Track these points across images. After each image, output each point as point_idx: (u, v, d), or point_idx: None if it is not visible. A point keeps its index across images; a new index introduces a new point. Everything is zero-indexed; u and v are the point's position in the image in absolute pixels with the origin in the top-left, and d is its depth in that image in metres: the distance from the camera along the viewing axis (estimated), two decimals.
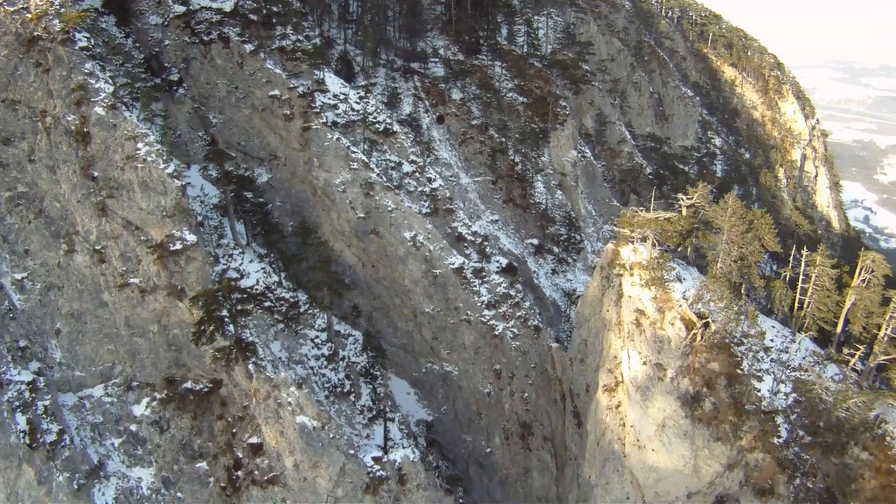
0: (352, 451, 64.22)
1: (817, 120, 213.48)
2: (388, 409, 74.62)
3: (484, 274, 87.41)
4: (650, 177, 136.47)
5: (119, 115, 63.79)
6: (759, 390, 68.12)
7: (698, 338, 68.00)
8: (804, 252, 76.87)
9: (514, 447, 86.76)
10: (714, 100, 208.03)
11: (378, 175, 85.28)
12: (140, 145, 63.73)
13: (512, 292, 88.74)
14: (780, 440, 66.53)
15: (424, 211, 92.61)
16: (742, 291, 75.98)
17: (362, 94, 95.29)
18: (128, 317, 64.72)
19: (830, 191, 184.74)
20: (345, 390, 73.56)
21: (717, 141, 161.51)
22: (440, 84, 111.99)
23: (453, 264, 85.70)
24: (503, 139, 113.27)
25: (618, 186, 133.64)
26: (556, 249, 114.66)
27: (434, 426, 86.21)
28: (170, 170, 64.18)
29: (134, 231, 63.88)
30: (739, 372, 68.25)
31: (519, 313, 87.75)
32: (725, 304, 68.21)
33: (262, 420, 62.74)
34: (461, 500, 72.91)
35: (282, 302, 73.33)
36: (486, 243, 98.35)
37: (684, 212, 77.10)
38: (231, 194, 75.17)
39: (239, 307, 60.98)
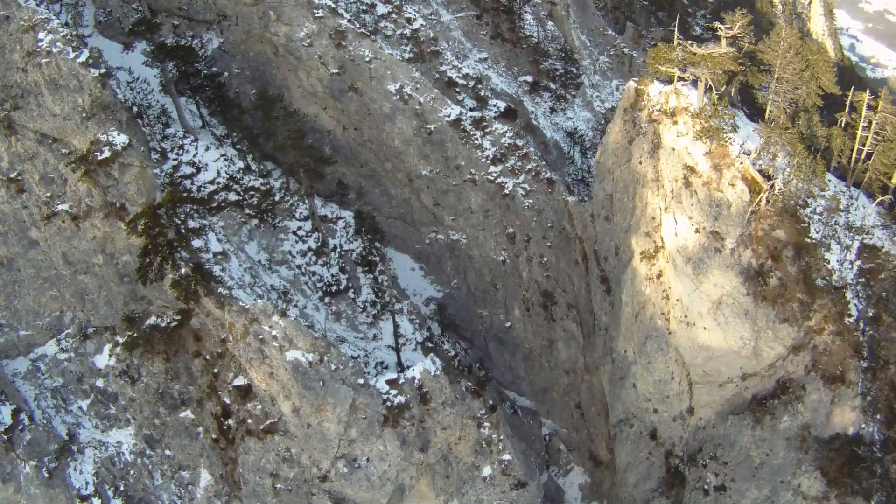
0: (361, 381, 47.52)
1: None
2: (394, 301, 58.51)
3: (485, 124, 69.45)
4: (645, 2, 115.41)
5: (11, 3, 46.73)
6: (829, 261, 53.34)
7: (763, 202, 51.70)
8: (866, 95, 59.43)
9: (535, 318, 71.15)
10: None
11: (349, 21, 66.54)
12: (41, 35, 46.29)
13: (519, 142, 70.99)
14: (851, 319, 52.42)
15: (407, 56, 74.23)
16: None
17: None
18: (65, 252, 48.20)
19: (825, 18, 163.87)
20: (341, 287, 57.29)
21: None
22: None
23: (449, 116, 67.67)
24: None
25: (610, 14, 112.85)
26: (552, 86, 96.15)
27: (445, 303, 70.29)
28: (82, 58, 46.47)
29: (52, 145, 46.73)
30: (808, 241, 52.65)
31: (529, 166, 70.38)
32: (798, 159, 51.50)
33: (245, 361, 46.19)
34: (491, 402, 57.56)
35: (252, 192, 55.65)
36: (479, 86, 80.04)
37: (723, 44, 59.05)
38: (174, 70, 56.55)
39: (192, 224, 43.44)
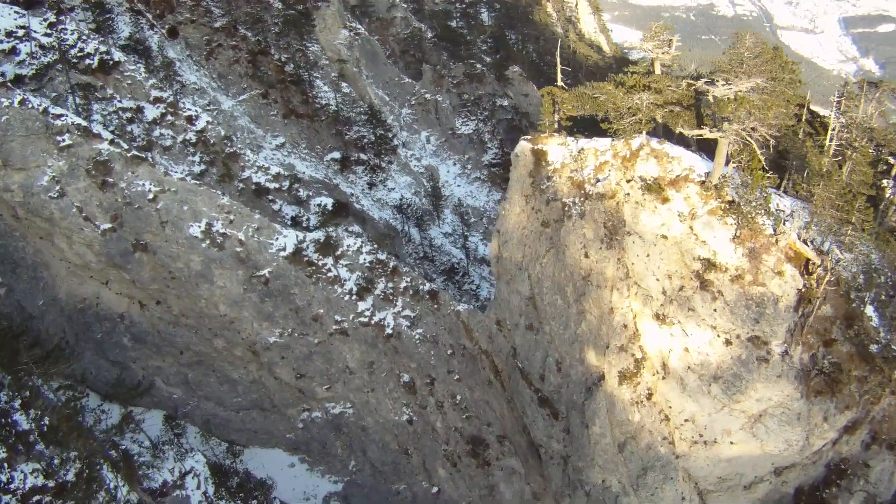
0: None
1: None
2: None
3: (333, 243, 44.18)
4: (434, 40, 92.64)
5: None
6: (872, 319, 33.92)
7: (822, 285, 30.68)
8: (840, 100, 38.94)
9: (466, 470, 46.14)
10: None
11: (112, 142, 39.22)
12: None
13: (381, 255, 46.34)
14: None
15: (198, 170, 48.50)
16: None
17: (52, 19, 46.88)
18: None
19: (593, 16, 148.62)
20: None
21: None
22: None
23: (284, 249, 41.86)
24: (260, 37, 66.25)
25: (401, 60, 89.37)
26: (364, 156, 72.22)
27: (349, 494, 44.25)
28: None
29: None
30: (854, 305, 33.25)
31: (403, 284, 45.67)
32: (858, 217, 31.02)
33: None
34: None
35: (40, 496, 27.20)
36: (297, 185, 55.15)
37: (657, 69, 37.50)
38: None
39: None
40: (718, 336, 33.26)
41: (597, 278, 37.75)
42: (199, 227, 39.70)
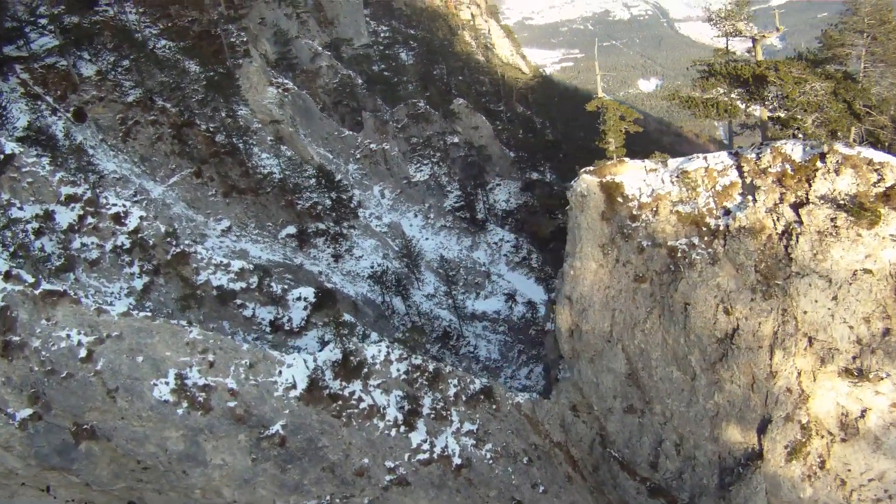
0: None
1: None
2: None
3: (354, 359, 29.84)
4: (367, 86, 77.75)
5: None
6: None
7: None
8: None
9: None
10: None
11: (9, 274, 24.29)
12: None
13: (416, 359, 32.04)
14: None
15: (140, 284, 33.83)
16: None
17: None
18: None
19: (508, 40, 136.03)
20: None
21: (385, 30, 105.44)
22: (60, 63, 45.61)
23: (294, 385, 27.16)
24: (181, 107, 50.59)
25: (335, 111, 74.61)
26: (322, 226, 57.40)
27: None
28: None
29: None
30: None
31: (452, 389, 31.52)
32: None
33: None
34: None
35: None
36: (268, 280, 40.43)
37: (758, 54, 25.26)
38: None
39: None
40: None
41: (747, 339, 25.03)
42: (168, 384, 24.80)
